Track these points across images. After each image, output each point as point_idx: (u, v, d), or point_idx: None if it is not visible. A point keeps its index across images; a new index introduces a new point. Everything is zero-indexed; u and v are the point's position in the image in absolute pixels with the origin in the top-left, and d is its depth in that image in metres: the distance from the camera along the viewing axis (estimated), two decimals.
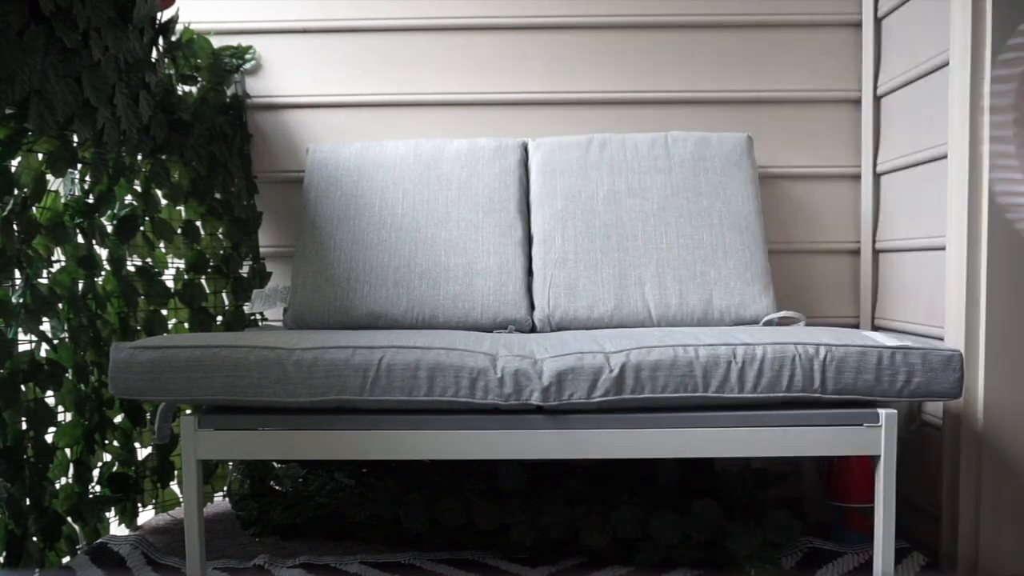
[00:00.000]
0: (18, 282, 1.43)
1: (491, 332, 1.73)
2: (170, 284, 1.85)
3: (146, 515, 1.87)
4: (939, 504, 1.64)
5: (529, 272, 1.87)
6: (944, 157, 1.65)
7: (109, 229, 1.68)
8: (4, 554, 1.39)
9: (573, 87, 2.14)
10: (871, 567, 1.44)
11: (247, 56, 2.09)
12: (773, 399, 1.39)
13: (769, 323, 1.77)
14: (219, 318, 1.99)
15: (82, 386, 1.58)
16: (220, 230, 1.99)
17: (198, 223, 1.93)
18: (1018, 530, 1.57)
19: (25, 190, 1.45)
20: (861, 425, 1.40)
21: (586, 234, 1.85)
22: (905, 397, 1.40)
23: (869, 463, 1.56)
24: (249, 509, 1.81)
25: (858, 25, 2.09)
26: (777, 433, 1.40)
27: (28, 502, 1.42)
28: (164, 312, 1.83)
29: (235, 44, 2.09)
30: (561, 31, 2.13)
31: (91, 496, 1.63)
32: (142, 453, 1.80)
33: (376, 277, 1.82)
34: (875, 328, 2.06)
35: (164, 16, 1.68)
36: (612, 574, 1.57)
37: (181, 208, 1.90)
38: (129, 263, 1.74)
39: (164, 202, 1.85)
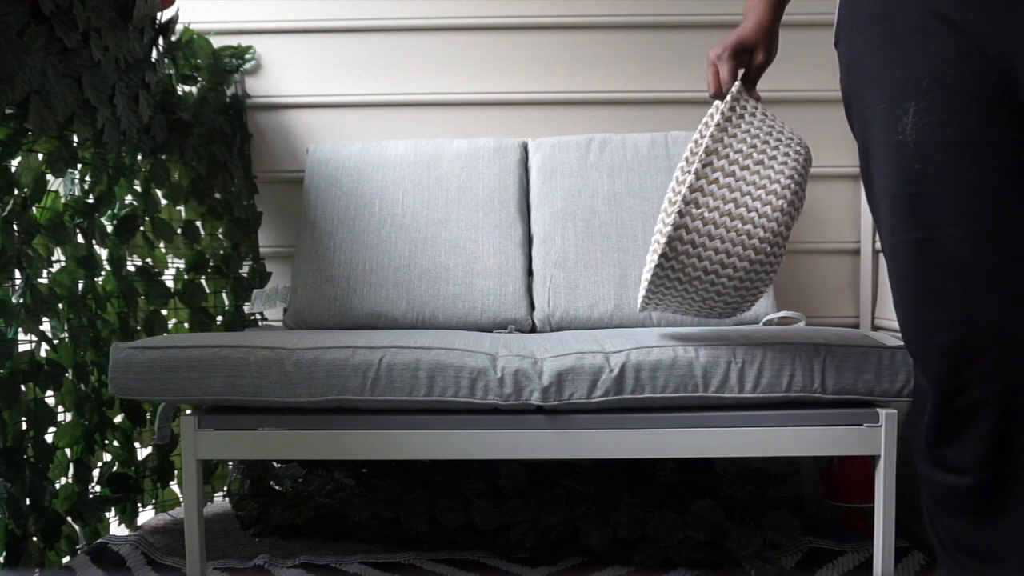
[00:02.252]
0: (18, 282, 1.43)
1: (491, 332, 1.73)
2: (170, 284, 1.85)
3: (146, 515, 1.87)
4: None
5: (529, 272, 1.87)
6: None
7: (109, 229, 1.68)
8: (4, 554, 1.39)
9: (573, 87, 2.14)
10: (871, 566, 1.44)
11: (247, 56, 2.09)
12: (773, 399, 1.39)
13: (769, 323, 1.77)
14: (219, 318, 1.99)
15: (82, 386, 1.58)
16: (220, 230, 1.99)
17: (198, 223, 1.93)
18: None
19: (25, 190, 1.45)
20: (861, 425, 1.40)
21: (586, 234, 1.85)
22: (905, 397, 1.40)
23: (869, 463, 1.56)
24: (249, 509, 1.81)
25: None
26: (777, 433, 1.39)
27: (28, 502, 1.42)
28: (164, 312, 1.83)
29: (235, 44, 2.09)
30: (561, 31, 2.13)
31: (91, 496, 1.63)
32: (142, 453, 1.80)
33: (376, 277, 1.82)
34: (875, 328, 2.06)
35: (164, 16, 1.68)
36: (612, 574, 1.57)
37: (181, 208, 1.90)
38: (129, 263, 1.74)
39: (164, 202, 1.85)
